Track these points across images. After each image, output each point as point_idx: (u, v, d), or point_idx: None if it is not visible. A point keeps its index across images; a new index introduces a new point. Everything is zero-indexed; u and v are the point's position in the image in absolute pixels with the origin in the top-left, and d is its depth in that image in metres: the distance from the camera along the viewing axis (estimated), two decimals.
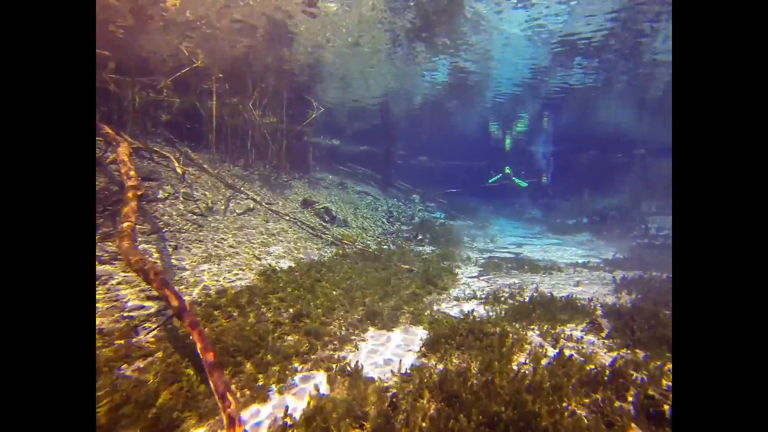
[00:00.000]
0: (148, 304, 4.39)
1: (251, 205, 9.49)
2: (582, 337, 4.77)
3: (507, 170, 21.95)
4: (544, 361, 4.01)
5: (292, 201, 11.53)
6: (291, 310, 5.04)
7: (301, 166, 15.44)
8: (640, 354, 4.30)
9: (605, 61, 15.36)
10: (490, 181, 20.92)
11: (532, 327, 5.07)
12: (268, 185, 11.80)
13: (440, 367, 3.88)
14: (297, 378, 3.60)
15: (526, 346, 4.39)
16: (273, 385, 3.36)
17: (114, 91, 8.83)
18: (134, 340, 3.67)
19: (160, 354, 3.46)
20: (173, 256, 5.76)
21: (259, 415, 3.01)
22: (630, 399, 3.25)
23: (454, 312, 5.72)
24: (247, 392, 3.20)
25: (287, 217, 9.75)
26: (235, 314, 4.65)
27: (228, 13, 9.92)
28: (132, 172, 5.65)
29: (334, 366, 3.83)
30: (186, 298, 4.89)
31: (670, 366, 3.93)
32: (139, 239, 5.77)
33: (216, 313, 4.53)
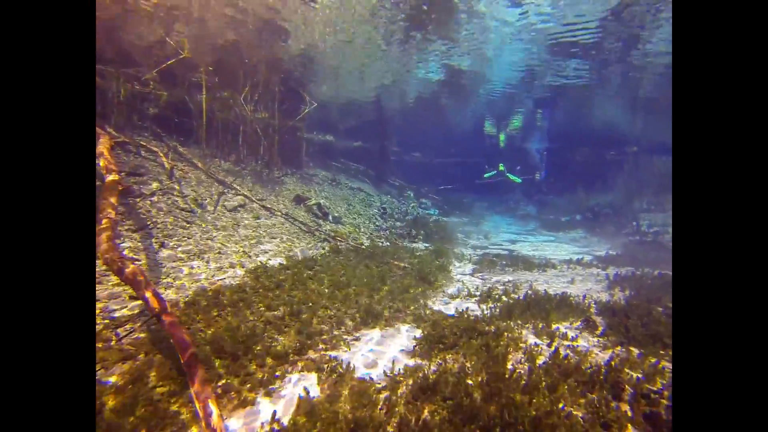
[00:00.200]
0: (131, 304, 4.23)
1: (242, 202, 9.30)
2: (577, 336, 4.72)
3: (501, 167, 21.97)
4: (539, 360, 3.95)
5: (285, 197, 11.35)
6: (281, 309, 4.92)
7: (294, 161, 15.22)
8: (635, 352, 4.27)
9: (599, 59, 15.36)
10: (485, 175, 20.97)
11: (526, 325, 5.02)
12: (260, 181, 11.60)
13: (434, 367, 3.80)
14: (286, 380, 3.48)
15: (521, 344, 4.33)
16: (261, 389, 3.24)
17: (97, 82, 8.55)
18: (113, 342, 3.52)
19: (142, 356, 3.31)
20: (160, 254, 5.59)
21: (245, 421, 2.89)
22: (626, 398, 3.20)
23: (449, 310, 5.64)
24: (234, 395, 3.08)
25: (279, 214, 9.59)
26: (223, 313, 4.51)
27: (217, 3, 9.67)
28: (112, 166, 5.44)
29: (325, 367, 3.73)
30: (172, 297, 4.73)
31: (664, 364, 3.90)
32: (124, 236, 5.58)
33: (203, 312, 4.39)
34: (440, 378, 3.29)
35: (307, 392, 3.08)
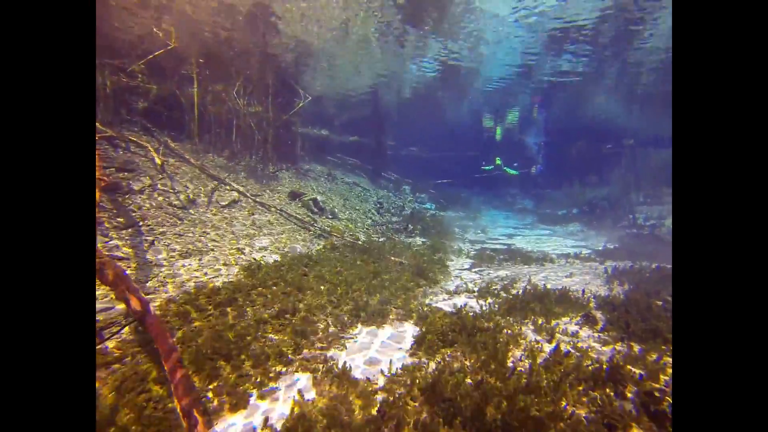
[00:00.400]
0: (118, 305, 4.09)
1: (236, 197, 9.13)
2: (577, 331, 4.65)
3: (498, 161, 21.89)
4: (540, 358, 3.86)
5: (280, 192, 11.18)
6: (276, 307, 4.80)
7: (289, 156, 15.01)
8: (636, 347, 4.20)
9: (596, 49, 15.21)
10: (485, 167, 20.96)
11: (526, 321, 4.94)
12: (255, 176, 11.41)
13: (432, 365, 3.71)
14: (280, 381, 3.37)
15: (521, 341, 4.24)
16: (253, 391, 3.13)
17: None
18: (97, 345, 3.38)
19: (129, 359, 3.18)
20: (149, 252, 5.43)
21: (237, 426, 2.77)
22: (629, 396, 3.13)
23: (447, 306, 5.55)
24: (225, 398, 2.96)
25: (274, 209, 9.43)
26: (215, 313, 4.38)
27: None
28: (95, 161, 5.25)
29: (320, 367, 3.62)
30: (162, 296, 4.60)
31: (666, 359, 3.84)
32: (112, 234, 5.42)
33: (194, 311, 4.26)
34: (439, 378, 3.19)
35: (302, 395, 2.97)
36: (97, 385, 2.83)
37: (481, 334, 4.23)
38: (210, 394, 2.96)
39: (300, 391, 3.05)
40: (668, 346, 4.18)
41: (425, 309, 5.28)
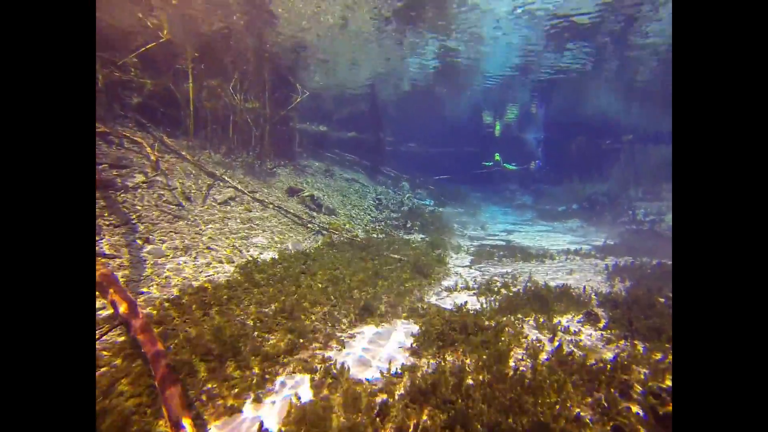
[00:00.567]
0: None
1: (233, 194, 9.00)
2: (579, 330, 4.58)
3: (497, 157, 21.81)
4: (542, 356, 3.79)
5: (277, 189, 11.06)
6: (273, 306, 4.71)
7: (287, 152, 14.86)
8: (640, 346, 4.13)
9: (595, 44, 15.07)
10: (486, 164, 20.99)
11: (527, 319, 4.86)
12: (252, 173, 11.27)
13: (433, 365, 3.63)
14: (277, 383, 3.29)
15: (522, 340, 4.17)
16: (248, 394, 3.04)
17: None
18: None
19: (119, 362, 3.08)
20: (143, 250, 5.32)
21: (230, 430, 2.69)
22: (635, 397, 3.05)
23: (447, 304, 5.47)
24: (219, 402, 2.88)
25: (271, 206, 9.31)
26: (210, 312, 4.28)
27: None
28: None
29: (318, 367, 3.54)
30: (155, 295, 4.49)
31: (672, 359, 3.77)
32: (104, 232, 5.30)
33: (188, 311, 4.16)
34: (439, 379, 3.11)
35: (299, 398, 2.88)
36: None
37: (482, 333, 4.15)
38: (204, 397, 2.87)
39: (297, 394, 2.96)
40: (672, 344, 4.11)
41: (425, 307, 5.20)
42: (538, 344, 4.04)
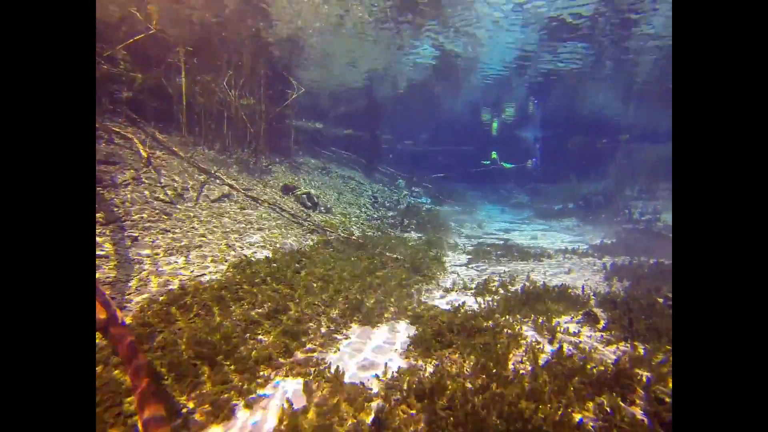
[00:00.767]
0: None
1: (227, 191, 8.84)
2: (579, 331, 4.50)
3: (494, 155, 21.77)
4: (542, 358, 3.70)
5: (272, 186, 10.90)
6: (266, 306, 4.58)
7: (282, 150, 14.68)
8: (640, 347, 4.06)
9: (593, 42, 15.01)
10: (484, 162, 21.03)
11: (525, 320, 4.78)
12: (247, 170, 11.10)
13: (430, 369, 3.53)
14: (269, 387, 3.17)
15: (521, 341, 4.08)
16: (240, 398, 2.92)
17: None
18: None
19: (99, 369, 2.95)
20: (132, 249, 5.17)
21: None
22: (638, 402, 2.97)
23: (444, 304, 5.38)
24: (208, 407, 2.75)
25: (266, 204, 9.16)
26: (201, 313, 4.15)
27: None
28: None
29: (312, 370, 3.42)
30: (144, 296, 4.35)
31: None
32: None
33: (177, 312, 4.02)
34: (437, 383, 3.01)
35: (291, 404, 2.77)
36: None
37: (480, 335, 4.06)
38: (191, 404, 2.74)
39: (289, 400, 2.84)
40: None
41: (421, 307, 5.10)
42: (537, 346, 3.96)
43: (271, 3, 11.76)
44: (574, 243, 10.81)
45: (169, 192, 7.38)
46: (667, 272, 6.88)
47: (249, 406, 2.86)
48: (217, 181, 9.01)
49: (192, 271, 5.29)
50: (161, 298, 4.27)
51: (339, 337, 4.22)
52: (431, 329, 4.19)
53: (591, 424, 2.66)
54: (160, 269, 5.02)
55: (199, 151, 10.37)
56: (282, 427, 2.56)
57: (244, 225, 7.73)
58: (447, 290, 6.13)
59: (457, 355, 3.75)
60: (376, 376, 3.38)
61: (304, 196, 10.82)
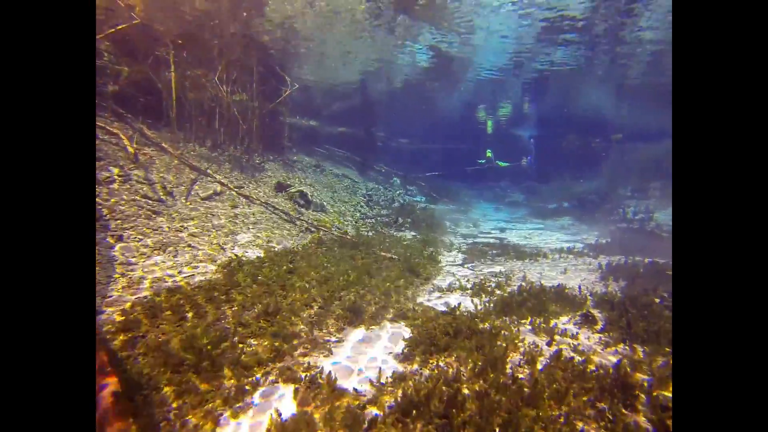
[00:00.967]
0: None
1: (218, 189, 8.63)
2: (577, 333, 4.41)
3: (489, 153, 21.75)
4: (540, 362, 3.61)
5: (265, 184, 10.69)
6: (257, 308, 4.43)
7: (276, 147, 14.44)
8: (639, 349, 3.99)
9: (588, 40, 14.98)
10: (480, 161, 21.06)
11: (523, 321, 4.69)
12: (239, 167, 10.87)
13: (426, 373, 3.41)
14: (257, 394, 3.03)
15: (519, 344, 3.98)
16: (225, 409, 2.77)
17: None
18: None
19: None
20: (116, 248, 4.97)
21: None
22: (640, 408, 2.88)
23: (439, 305, 5.26)
24: (190, 419, 2.60)
25: (258, 202, 8.97)
26: (187, 316, 3.98)
27: None
28: None
29: (303, 376, 3.29)
30: (126, 298, 4.17)
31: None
32: None
33: (161, 315, 3.85)
34: (433, 389, 2.89)
35: (279, 414, 2.62)
36: None
37: (476, 337, 3.95)
38: (171, 416, 2.59)
39: (278, 410, 2.70)
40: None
41: (417, 308, 4.98)
42: (535, 349, 3.86)
43: None
44: (570, 242, 10.78)
45: (157, 189, 7.17)
46: (662, 272, 6.85)
47: (236, 415, 2.71)
48: (209, 178, 8.80)
49: (179, 272, 5.11)
50: (144, 300, 4.09)
51: (332, 339, 4.08)
52: (427, 331, 4.07)
53: (593, 430, 2.56)
54: (146, 270, 4.83)
55: (190, 147, 10.13)
56: None
57: (235, 223, 7.55)
58: (443, 290, 6.02)
59: (453, 359, 3.64)
60: (370, 381, 3.25)
61: (298, 194, 10.63)
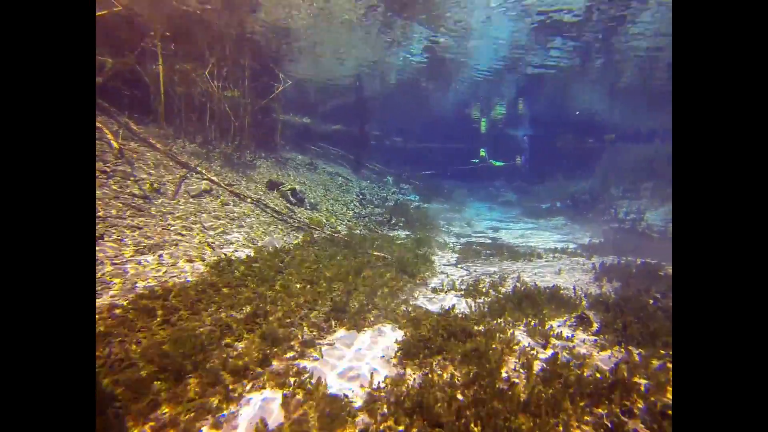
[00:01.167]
0: None
1: (208, 187, 8.43)
2: (572, 335, 4.35)
3: (482, 153, 21.75)
4: (536, 365, 3.53)
5: (257, 182, 10.50)
6: (246, 310, 4.29)
7: (268, 144, 14.23)
8: (635, 352, 3.93)
9: (582, 40, 15.00)
10: (474, 161, 21.11)
11: (518, 323, 4.61)
12: (230, 165, 10.66)
13: (419, 377, 3.30)
14: (243, 401, 2.89)
15: (514, 347, 3.90)
16: (208, 418, 2.63)
17: None
18: None
19: None
20: (97, 247, 4.77)
21: None
22: (637, 413, 2.81)
23: (433, 306, 5.17)
24: (171, 431, 2.46)
25: (249, 200, 8.78)
26: (171, 318, 3.82)
27: None
28: None
29: (292, 380, 3.16)
30: (106, 301, 3.99)
31: (671, 365, 3.57)
32: None
33: (145, 318, 3.69)
34: (427, 396, 2.79)
35: (265, 425, 2.49)
36: None
37: (471, 340, 3.86)
38: (147, 429, 2.44)
39: (263, 420, 2.56)
40: (668, 351, 3.93)
41: (410, 310, 4.87)
42: (531, 352, 3.78)
43: None
44: (563, 242, 10.77)
45: (144, 186, 6.95)
46: (654, 273, 6.84)
47: (218, 426, 2.57)
48: (198, 175, 8.59)
49: (165, 272, 4.94)
50: (126, 302, 3.92)
51: (322, 342, 3.96)
52: (420, 333, 3.97)
53: None
54: (128, 270, 4.65)
55: (179, 144, 9.89)
56: None
57: (225, 222, 7.37)
58: (436, 291, 5.93)
59: (447, 362, 3.54)
60: (362, 386, 3.14)
61: (290, 192, 10.46)
